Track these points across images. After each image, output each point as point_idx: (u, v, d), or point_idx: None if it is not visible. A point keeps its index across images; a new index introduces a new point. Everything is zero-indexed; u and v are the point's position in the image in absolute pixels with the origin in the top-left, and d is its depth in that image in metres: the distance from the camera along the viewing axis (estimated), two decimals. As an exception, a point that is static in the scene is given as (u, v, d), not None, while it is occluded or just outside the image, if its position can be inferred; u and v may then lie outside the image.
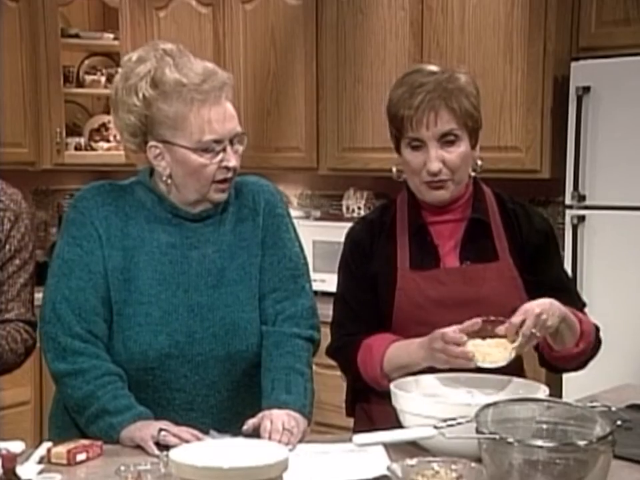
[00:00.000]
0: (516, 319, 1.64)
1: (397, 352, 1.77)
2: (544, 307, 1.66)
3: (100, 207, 1.78)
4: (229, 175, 1.75)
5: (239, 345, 1.78)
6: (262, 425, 1.65)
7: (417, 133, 1.77)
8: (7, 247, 1.86)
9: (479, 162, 1.85)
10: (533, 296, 1.80)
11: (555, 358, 1.79)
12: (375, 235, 1.87)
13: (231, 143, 1.74)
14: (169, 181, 1.76)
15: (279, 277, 1.83)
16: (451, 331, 1.65)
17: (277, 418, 1.66)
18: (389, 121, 1.83)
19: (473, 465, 1.37)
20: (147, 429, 1.63)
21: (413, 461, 1.39)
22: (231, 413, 1.79)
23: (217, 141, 1.71)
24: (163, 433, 1.61)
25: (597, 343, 1.86)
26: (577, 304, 1.88)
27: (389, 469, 1.38)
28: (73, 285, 1.74)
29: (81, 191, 1.84)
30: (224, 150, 1.72)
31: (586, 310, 1.90)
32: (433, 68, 1.82)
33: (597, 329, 1.87)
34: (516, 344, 1.62)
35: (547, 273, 1.86)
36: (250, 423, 1.66)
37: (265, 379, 1.78)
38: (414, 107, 1.75)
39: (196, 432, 1.63)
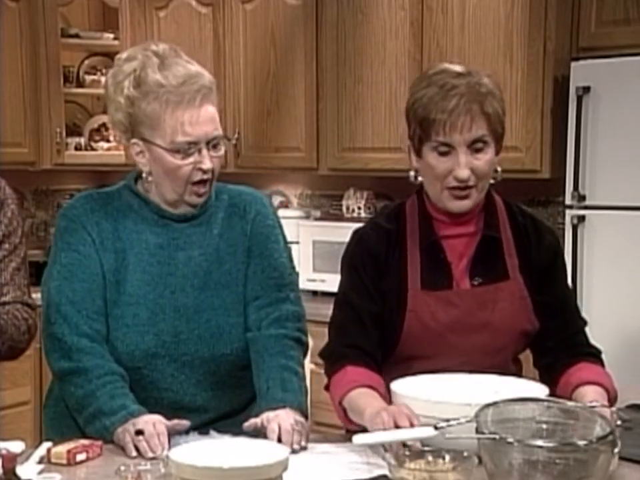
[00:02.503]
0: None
1: (358, 397, 1.66)
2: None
3: (90, 213, 1.81)
4: (205, 176, 1.76)
5: (223, 348, 1.80)
6: (269, 428, 1.64)
7: (448, 137, 1.69)
8: None
9: (499, 168, 1.79)
10: (537, 315, 1.79)
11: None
12: (390, 248, 1.78)
13: (208, 145, 1.74)
14: (150, 179, 1.80)
15: (261, 285, 1.83)
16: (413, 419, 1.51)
17: (284, 420, 1.66)
18: (416, 123, 1.73)
19: (465, 454, 1.37)
20: (130, 430, 1.62)
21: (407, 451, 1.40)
22: (217, 413, 1.80)
23: (191, 143, 1.72)
24: (139, 437, 1.60)
25: (602, 367, 1.83)
26: (579, 323, 1.86)
27: (383, 457, 1.38)
28: (77, 288, 1.76)
29: (68, 201, 1.89)
30: (199, 152, 1.73)
31: (587, 329, 1.88)
32: (459, 69, 1.74)
33: (599, 352, 1.84)
34: None
35: (552, 292, 1.81)
36: (252, 421, 1.66)
37: (259, 380, 1.78)
38: (448, 111, 1.67)
39: (165, 422, 1.61)
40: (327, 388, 1.77)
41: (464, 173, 1.70)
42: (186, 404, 1.78)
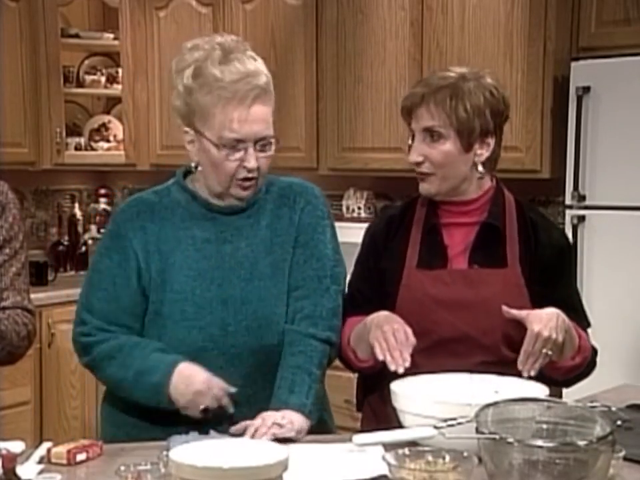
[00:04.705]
0: (527, 346, 1.68)
1: (359, 325, 1.81)
2: (551, 323, 1.68)
3: (135, 217, 1.84)
4: (250, 175, 1.77)
5: (271, 339, 1.80)
6: (254, 422, 1.66)
7: (412, 123, 1.85)
8: None
9: (480, 168, 1.84)
10: (538, 308, 1.80)
11: (548, 368, 1.76)
12: (391, 231, 1.91)
13: (257, 145, 1.75)
14: (199, 168, 1.82)
15: (302, 275, 1.83)
16: (409, 334, 1.70)
17: (269, 416, 1.67)
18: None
19: (465, 454, 1.37)
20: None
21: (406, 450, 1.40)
22: (269, 404, 1.76)
23: (239, 140, 1.73)
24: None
25: (592, 364, 1.87)
26: (583, 323, 1.88)
27: (383, 457, 1.38)
28: (100, 296, 1.82)
29: (121, 204, 1.93)
30: (246, 150, 1.74)
31: (589, 330, 1.90)
32: (456, 70, 1.86)
33: (595, 351, 1.88)
34: None
35: (556, 288, 1.85)
36: (242, 424, 1.67)
37: (277, 377, 1.78)
38: (409, 98, 1.85)
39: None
40: (341, 356, 1.89)
41: (412, 156, 1.85)
42: (236, 396, 1.78)
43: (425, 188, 1.86)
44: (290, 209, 1.86)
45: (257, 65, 1.76)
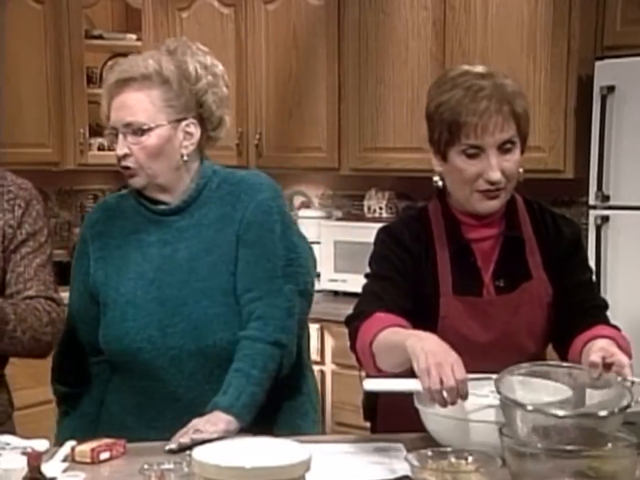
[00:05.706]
0: (596, 358, 1.53)
1: (391, 334, 1.59)
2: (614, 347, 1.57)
3: (95, 224, 1.92)
4: (123, 163, 1.82)
5: (207, 340, 1.78)
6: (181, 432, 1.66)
7: (479, 140, 1.66)
8: (19, 230, 1.88)
9: (521, 170, 1.75)
10: (556, 304, 1.77)
11: None
12: (422, 249, 1.75)
13: (127, 131, 1.79)
14: None
15: (253, 276, 1.79)
16: (467, 379, 1.47)
17: (194, 423, 1.66)
18: (443, 126, 1.69)
19: (488, 455, 1.36)
20: None
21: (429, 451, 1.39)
22: None
23: (112, 127, 1.80)
24: None
25: None
26: (598, 301, 1.82)
27: (405, 458, 1.38)
28: (71, 298, 1.95)
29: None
30: (117, 137, 1.80)
31: (608, 313, 1.84)
32: (481, 70, 1.72)
33: (620, 330, 1.80)
34: None
35: (571, 276, 1.79)
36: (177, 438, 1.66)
37: None
38: (479, 113, 1.65)
39: None
40: (352, 347, 1.68)
41: (496, 175, 1.68)
42: (181, 396, 1.79)
43: (492, 205, 1.71)
44: (233, 207, 1.82)
45: (148, 58, 1.79)
